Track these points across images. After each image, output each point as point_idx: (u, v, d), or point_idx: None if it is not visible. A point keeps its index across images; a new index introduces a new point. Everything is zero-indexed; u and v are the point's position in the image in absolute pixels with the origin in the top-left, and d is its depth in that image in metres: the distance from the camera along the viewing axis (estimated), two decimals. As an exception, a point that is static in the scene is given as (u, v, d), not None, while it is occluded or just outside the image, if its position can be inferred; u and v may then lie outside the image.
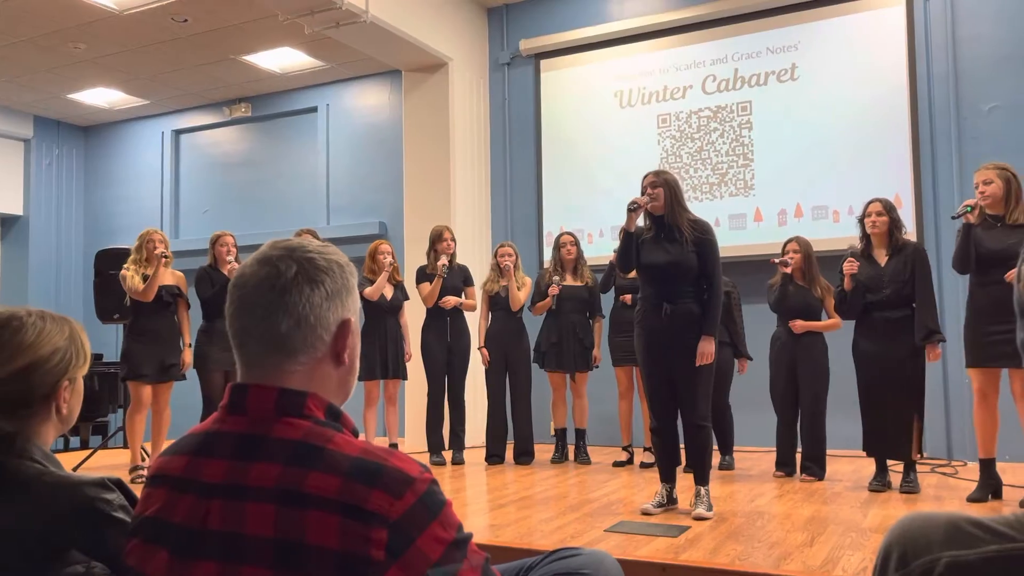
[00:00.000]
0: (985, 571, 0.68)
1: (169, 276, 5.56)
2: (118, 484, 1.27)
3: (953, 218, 4.44)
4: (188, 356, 5.54)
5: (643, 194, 3.98)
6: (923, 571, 0.71)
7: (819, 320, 4.99)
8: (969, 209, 4.15)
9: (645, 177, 4.03)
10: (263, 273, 1.11)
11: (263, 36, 7.42)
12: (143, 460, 5.49)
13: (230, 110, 9.11)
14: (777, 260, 5.12)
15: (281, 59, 8.03)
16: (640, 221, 4.03)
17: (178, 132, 9.56)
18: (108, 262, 6.60)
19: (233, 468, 1.03)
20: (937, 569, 0.70)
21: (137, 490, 1.21)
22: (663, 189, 3.94)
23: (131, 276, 5.38)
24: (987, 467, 4.18)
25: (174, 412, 5.67)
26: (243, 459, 1.04)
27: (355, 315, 1.17)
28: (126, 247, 5.89)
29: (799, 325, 4.94)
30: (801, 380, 4.93)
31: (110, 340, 8.75)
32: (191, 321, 5.66)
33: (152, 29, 7.22)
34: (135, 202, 9.69)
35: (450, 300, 5.76)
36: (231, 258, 5.54)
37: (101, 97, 9.05)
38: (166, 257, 5.43)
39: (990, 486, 4.16)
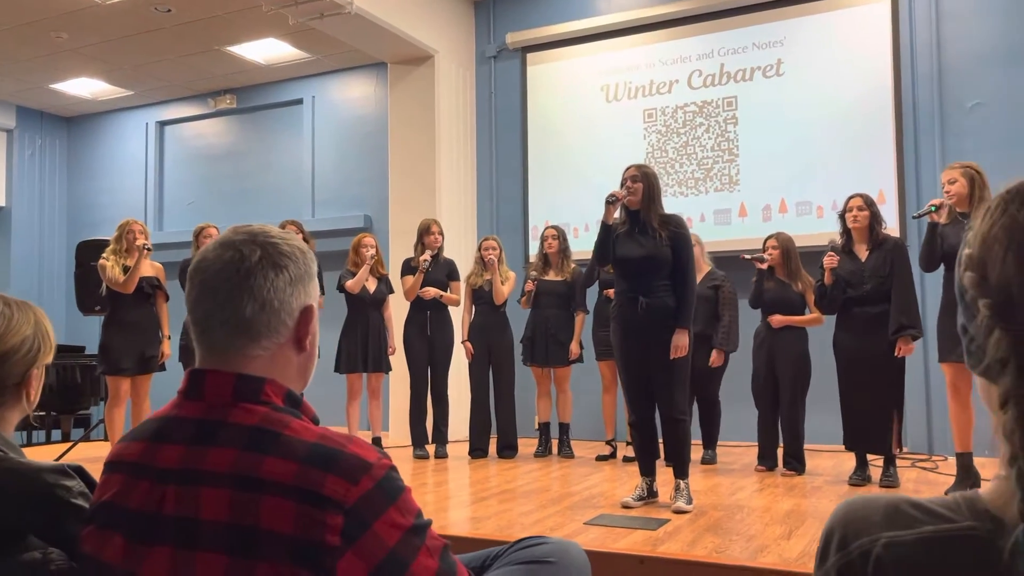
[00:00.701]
0: (921, 551, 0.68)
1: (148, 267, 5.53)
2: (78, 471, 1.25)
3: (915, 218, 4.46)
4: (167, 347, 5.52)
5: (622, 185, 3.98)
6: (862, 552, 0.71)
7: (800, 315, 5.01)
8: (933, 209, 4.19)
9: (627, 169, 4.03)
10: (227, 257, 1.10)
11: (247, 27, 7.37)
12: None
13: (215, 101, 9.05)
14: (750, 256, 5.14)
15: (266, 50, 7.98)
16: (616, 214, 4.03)
17: (162, 123, 9.50)
18: (89, 253, 6.55)
19: (189, 453, 1.03)
20: (875, 550, 0.70)
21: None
22: (643, 184, 3.95)
23: (111, 267, 5.34)
24: (964, 461, 4.21)
25: (156, 405, 5.63)
26: (199, 444, 1.03)
27: (316, 301, 1.17)
28: (107, 238, 5.85)
29: (777, 320, 4.96)
30: (780, 375, 4.95)
31: (92, 332, 8.69)
32: (169, 313, 5.63)
33: (135, 19, 7.16)
34: (119, 194, 9.62)
35: (429, 291, 5.74)
36: (214, 249, 5.51)
37: (84, 87, 8.98)
38: (148, 249, 5.40)
39: (968, 480, 4.19)
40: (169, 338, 5.55)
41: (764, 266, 5.05)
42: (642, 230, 3.95)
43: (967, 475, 4.19)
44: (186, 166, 9.37)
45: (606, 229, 3.97)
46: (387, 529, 0.98)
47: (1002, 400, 0.66)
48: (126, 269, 5.35)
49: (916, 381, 5.70)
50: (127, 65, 8.30)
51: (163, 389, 5.98)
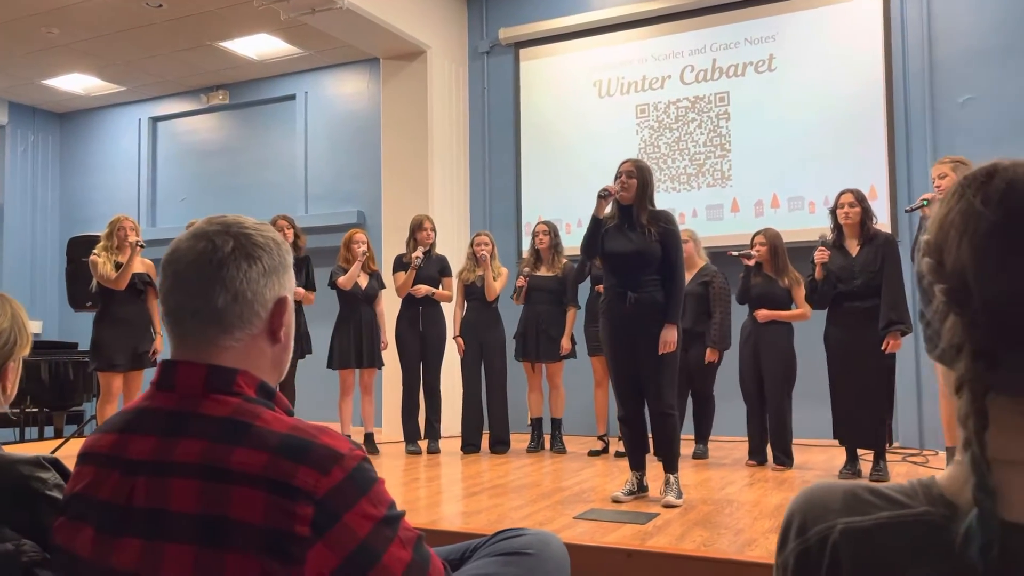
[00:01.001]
0: (877, 536, 0.68)
1: (139, 264, 5.53)
2: (54, 463, 1.25)
3: (907, 211, 4.46)
4: (160, 344, 5.52)
5: (617, 179, 3.98)
6: (820, 538, 0.71)
7: (786, 310, 5.02)
8: (926, 203, 4.20)
9: (623, 164, 4.02)
10: (199, 247, 1.10)
11: (239, 22, 7.35)
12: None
13: (207, 97, 9.03)
14: (737, 253, 5.15)
15: (258, 46, 7.96)
16: (608, 208, 4.03)
17: (155, 119, 9.48)
18: (80, 249, 6.54)
19: (160, 444, 1.03)
20: (832, 536, 0.70)
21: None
22: (636, 180, 3.94)
23: (102, 263, 5.34)
24: (952, 455, 4.22)
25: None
26: (170, 435, 1.03)
27: (291, 293, 1.17)
28: (98, 234, 5.84)
29: (763, 315, 4.98)
30: (765, 370, 4.96)
31: (85, 329, 8.67)
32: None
33: (126, 14, 7.14)
34: (112, 190, 9.59)
35: (420, 288, 5.74)
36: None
37: (76, 83, 8.95)
38: (141, 246, 5.40)
39: None
40: (161, 335, 5.55)
41: (751, 262, 5.06)
42: (632, 225, 3.94)
43: None
44: (179, 162, 9.35)
45: (596, 223, 3.97)
46: (358, 520, 0.97)
47: (957, 385, 0.67)
48: (118, 266, 5.34)
49: (907, 376, 5.71)
50: (119, 61, 8.28)
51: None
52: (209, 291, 1.07)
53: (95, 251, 5.43)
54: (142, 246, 5.40)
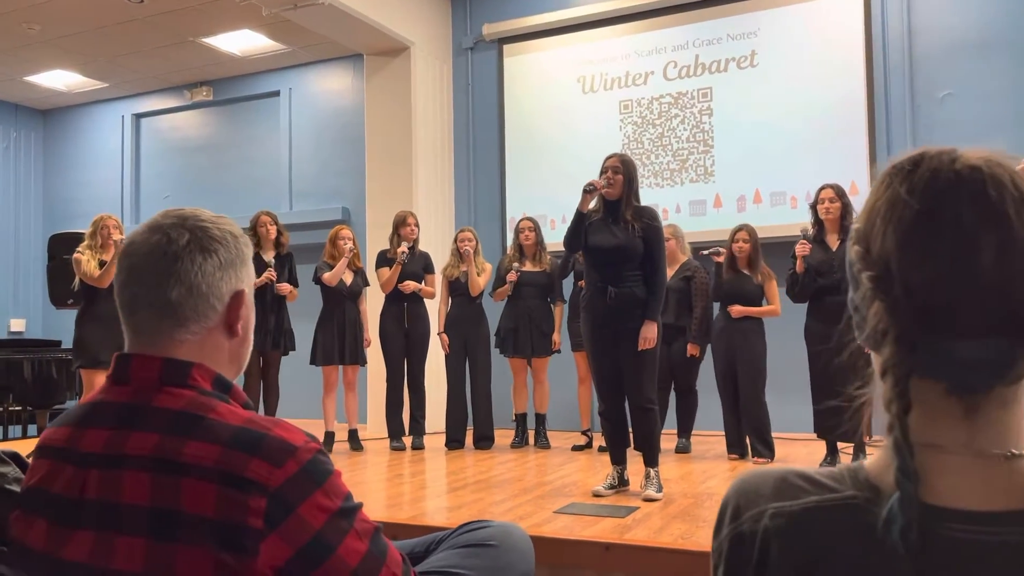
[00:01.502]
0: (804, 520, 0.69)
1: None
2: (14, 457, 1.25)
3: None
4: None
5: (602, 174, 3.99)
6: (752, 522, 0.72)
7: (757, 306, 5.05)
8: None
9: (609, 158, 4.03)
10: (154, 240, 1.10)
11: (222, 18, 7.32)
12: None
13: (191, 94, 8.99)
14: (707, 252, 5.18)
15: (242, 42, 7.93)
16: (592, 203, 4.04)
17: (138, 116, 9.42)
18: (61, 246, 6.51)
19: (113, 437, 1.03)
20: (763, 520, 0.72)
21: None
22: (623, 176, 3.95)
23: (86, 261, 5.32)
24: None
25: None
26: (123, 428, 1.03)
27: (249, 287, 1.17)
28: (79, 231, 5.81)
29: (736, 310, 5.01)
30: (739, 365, 5.00)
31: (68, 326, 8.62)
32: None
33: (108, 10, 7.10)
34: (95, 187, 9.54)
35: (409, 284, 5.75)
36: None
37: (59, 80, 8.89)
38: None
39: None
40: None
41: (720, 259, 5.10)
42: (616, 220, 3.96)
43: None
44: (162, 159, 9.30)
45: (580, 217, 3.97)
46: (313, 512, 0.98)
47: (882, 370, 0.68)
48: (102, 264, 5.33)
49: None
50: (102, 57, 8.23)
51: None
52: (163, 283, 1.08)
53: (79, 249, 5.41)
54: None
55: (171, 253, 1.09)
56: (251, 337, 1.18)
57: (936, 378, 0.67)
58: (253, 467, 0.96)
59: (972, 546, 0.63)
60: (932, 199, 0.67)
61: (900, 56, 6.09)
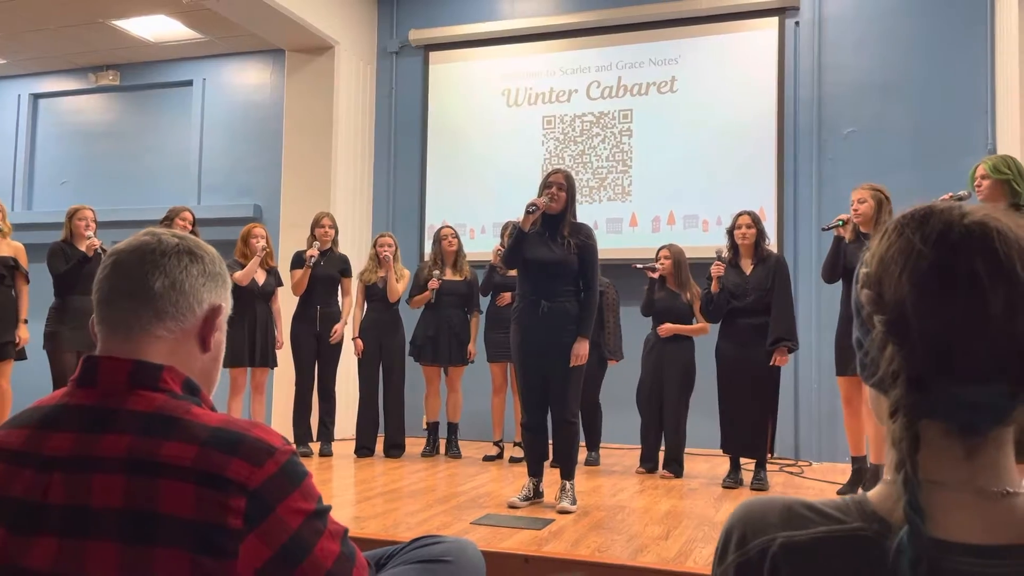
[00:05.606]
0: (814, 550, 0.73)
1: (5, 247, 5.19)
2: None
3: (823, 230, 4.69)
4: (24, 333, 5.19)
5: (543, 190, 4.03)
6: (759, 551, 0.75)
7: (688, 324, 5.21)
8: (841, 223, 4.45)
9: (553, 174, 4.07)
10: (143, 239, 1.12)
11: (137, 1, 7.02)
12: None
13: (96, 77, 8.56)
14: (641, 266, 5.32)
15: (155, 27, 7.62)
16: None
17: (36, 96, 8.91)
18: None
19: (80, 440, 0.99)
20: (772, 549, 0.74)
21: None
22: (566, 194, 4.02)
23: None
24: (857, 464, 4.52)
25: (22, 397, 5.28)
26: (92, 431, 1.00)
27: (227, 307, 1.17)
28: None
29: (666, 329, 5.15)
30: (666, 382, 5.14)
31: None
32: (32, 297, 5.32)
33: (11, -18, 6.70)
34: (-16, 168, 8.95)
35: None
36: (90, 233, 5.22)
37: (-51, 51, 8.32)
38: (2, 232, 5.10)
39: (859, 480, 4.46)
40: (26, 322, 5.22)
41: (655, 275, 5.23)
42: (553, 235, 4.01)
43: (859, 476, 4.46)
44: (61, 143, 8.82)
45: (521, 235, 4.00)
46: (290, 513, 0.98)
47: (892, 410, 0.72)
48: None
49: (785, 390, 6.01)
50: (1, 31, 7.75)
51: (33, 379, 5.61)
52: (148, 274, 1.08)
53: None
54: (2, 231, 5.12)
55: (159, 250, 1.11)
56: (221, 360, 1.18)
57: (942, 419, 0.71)
58: (233, 467, 0.96)
59: None
60: (946, 250, 0.71)
61: (810, 92, 6.41)
